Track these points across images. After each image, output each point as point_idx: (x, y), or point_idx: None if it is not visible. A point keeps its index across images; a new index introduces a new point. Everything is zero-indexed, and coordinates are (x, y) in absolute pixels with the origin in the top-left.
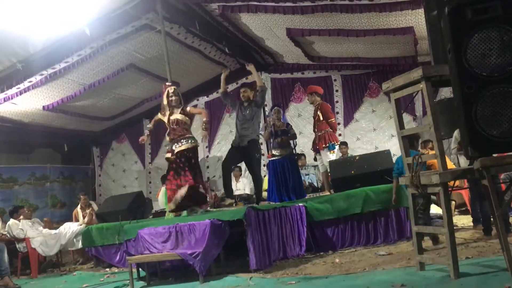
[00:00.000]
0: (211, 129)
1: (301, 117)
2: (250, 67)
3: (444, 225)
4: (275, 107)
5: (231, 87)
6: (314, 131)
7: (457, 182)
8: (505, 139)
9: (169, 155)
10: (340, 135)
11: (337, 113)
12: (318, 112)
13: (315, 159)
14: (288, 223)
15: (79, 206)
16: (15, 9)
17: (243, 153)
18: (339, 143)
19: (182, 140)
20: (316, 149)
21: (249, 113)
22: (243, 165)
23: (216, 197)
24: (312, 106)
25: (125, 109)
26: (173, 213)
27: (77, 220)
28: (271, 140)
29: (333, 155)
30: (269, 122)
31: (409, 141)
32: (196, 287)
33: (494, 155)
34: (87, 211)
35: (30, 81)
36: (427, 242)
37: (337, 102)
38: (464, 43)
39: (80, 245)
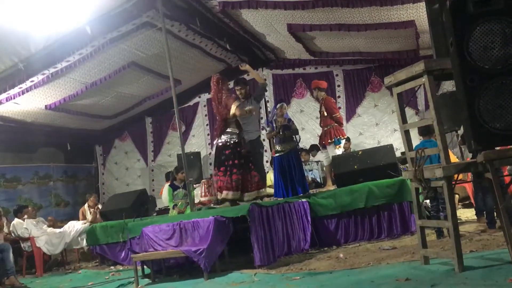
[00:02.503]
0: (213, 127)
1: (303, 112)
2: (245, 67)
3: (448, 218)
4: (281, 103)
5: (232, 85)
6: (320, 126)
7: (461, 176)
8: (508, 132)
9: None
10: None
11: (339, 108)
12: (322, 108)
13: (313, 152)
14: (291, 219)
15: (86, 204)
16: (16, 8)
17: None
18: (345, 137)
19: None
20: (323, 144)
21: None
22: None
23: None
24: (317, 102)
25: (127, 107)
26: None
27: (84, 218)
28: (274, 137)
29: (339, 150)
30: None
31: (426, 130)
32: (200, 283)
33: (497, 148)
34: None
35: (32, 81)
36: (431, 236)
37: (339, 97)
38: (466, 36)
39: (84, 243)
